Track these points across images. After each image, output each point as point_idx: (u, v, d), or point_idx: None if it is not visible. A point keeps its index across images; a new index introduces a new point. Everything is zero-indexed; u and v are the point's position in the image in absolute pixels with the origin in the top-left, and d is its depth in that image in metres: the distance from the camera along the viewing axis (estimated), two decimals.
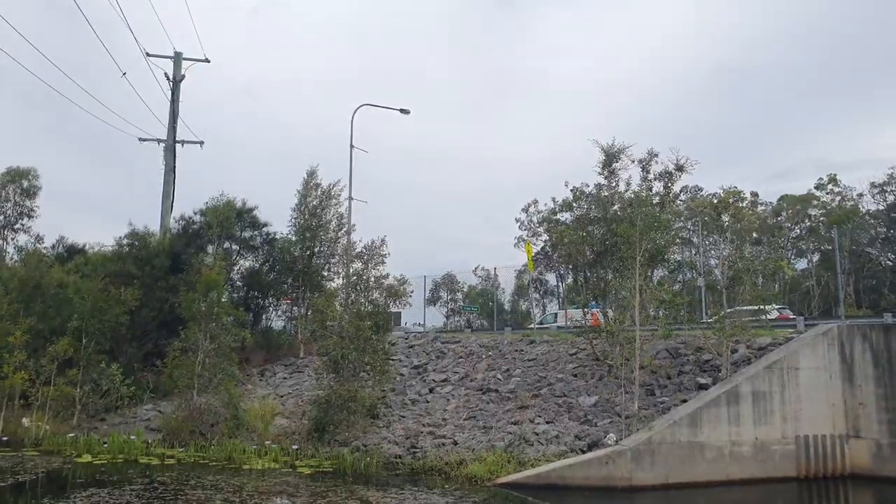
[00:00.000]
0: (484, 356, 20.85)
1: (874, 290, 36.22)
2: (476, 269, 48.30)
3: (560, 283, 45.49)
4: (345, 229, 25.49)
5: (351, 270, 19.56)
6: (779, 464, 13.57)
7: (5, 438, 17.58)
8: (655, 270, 18.58)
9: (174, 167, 28.24)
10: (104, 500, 11.22)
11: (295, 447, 15.71)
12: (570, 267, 20.82)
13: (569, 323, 25.76)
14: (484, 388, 18.28)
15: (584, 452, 13.29)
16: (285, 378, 22.26)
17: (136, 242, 23.58)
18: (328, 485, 12.85)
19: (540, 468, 12.74)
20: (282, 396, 19.84)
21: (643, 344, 15.23)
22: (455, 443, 15.00)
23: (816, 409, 14.10)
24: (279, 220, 42.05)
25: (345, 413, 16.28)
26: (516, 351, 20.59)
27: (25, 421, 18.11)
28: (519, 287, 53.41)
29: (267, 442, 16.01)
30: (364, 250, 19.49)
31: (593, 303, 19.37)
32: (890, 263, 38.75)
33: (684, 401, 14.31)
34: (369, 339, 17.58)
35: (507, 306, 50.76)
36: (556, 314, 31.64)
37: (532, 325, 28.94)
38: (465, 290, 50.93)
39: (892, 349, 13.94)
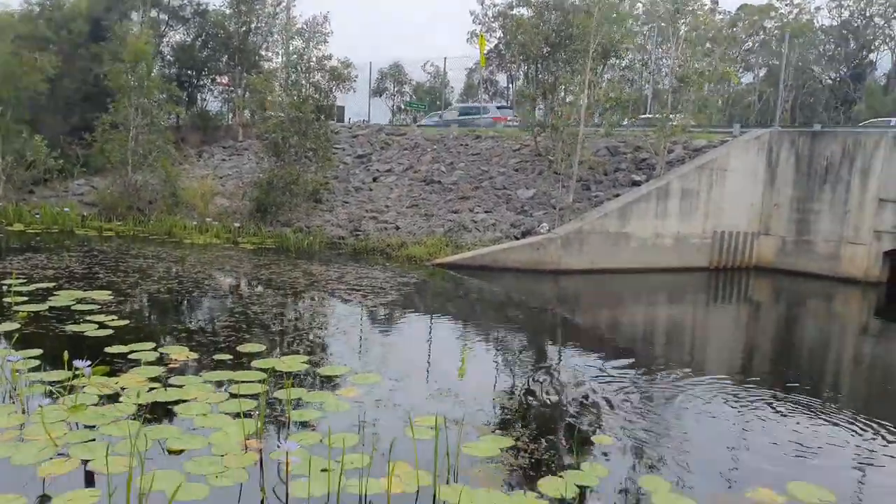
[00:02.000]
0: (429, 149, 20.77)
1: (811, 107, 37.13)
2: (425, 64, 46.29)
3: (510, 84, 44.57)
4: (284, 3, 23.44)
5: (291, 48, 18.35)
6: (695, 255, 14.78)
7: None
8: (605, 73, 18.19)
9: None
10: (42, 264, 11.27)
11: (237, 225, 15.87)
12: (522, 59, 20.10)
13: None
14: (427, 180, 18.48)
15: (517, 239, 13.99)
16: (224, 160, 21.78)
17: (48, 2, 21.11)
18: (271, 259, 13.25)
19: (476, 251, 13.44)
20: (221, 178, 19.57)
21: (585, 141, 15.42)
22: (397, 227, 15.46)
23: (737, 208, 15.08)
24: None
25: (287, 196, 16.31)
26: (461, 145, 20.55)
27: None
28: (468, 87, 52.01)
29: (208, 219, 16.07)
30: (305, 27, 18.18)
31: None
32: (830, 82, 39.38)
33: (618, 195, 14.94)
34: (311, 124, 17.10)
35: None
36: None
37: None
38: (412, 84, 49.26)
39: (815, 155, 14.63)
